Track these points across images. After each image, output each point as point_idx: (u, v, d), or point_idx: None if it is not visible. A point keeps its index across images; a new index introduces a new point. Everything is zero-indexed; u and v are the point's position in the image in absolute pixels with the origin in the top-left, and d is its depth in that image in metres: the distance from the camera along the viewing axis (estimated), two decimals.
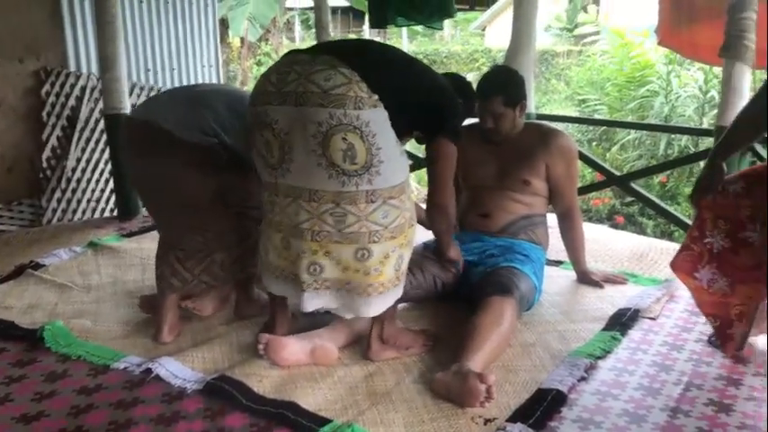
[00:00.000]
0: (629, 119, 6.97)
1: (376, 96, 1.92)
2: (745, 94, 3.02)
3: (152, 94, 5.38)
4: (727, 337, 2.26)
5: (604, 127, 6.85)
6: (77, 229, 4.09)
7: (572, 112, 8.45)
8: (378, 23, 4.40)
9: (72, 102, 4.73)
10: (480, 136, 2.69)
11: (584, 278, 2.89)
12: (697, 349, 2.33)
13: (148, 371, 2.20)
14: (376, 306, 2.13)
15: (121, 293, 2.93)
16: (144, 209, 4.33)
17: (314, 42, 4.63)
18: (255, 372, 2.16)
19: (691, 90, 6.59)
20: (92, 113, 4.67)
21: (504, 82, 2.65)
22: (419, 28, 7.98)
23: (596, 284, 2.83)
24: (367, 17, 4.49)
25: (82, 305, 2.81)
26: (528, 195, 2.68)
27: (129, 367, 2.24)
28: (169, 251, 2.54)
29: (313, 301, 2.13)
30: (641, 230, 5.75)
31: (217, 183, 2.42)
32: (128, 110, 4.10)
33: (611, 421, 1.90)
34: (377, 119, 1.93)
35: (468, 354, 2.09)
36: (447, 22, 19.82)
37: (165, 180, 2.44)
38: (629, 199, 5.98)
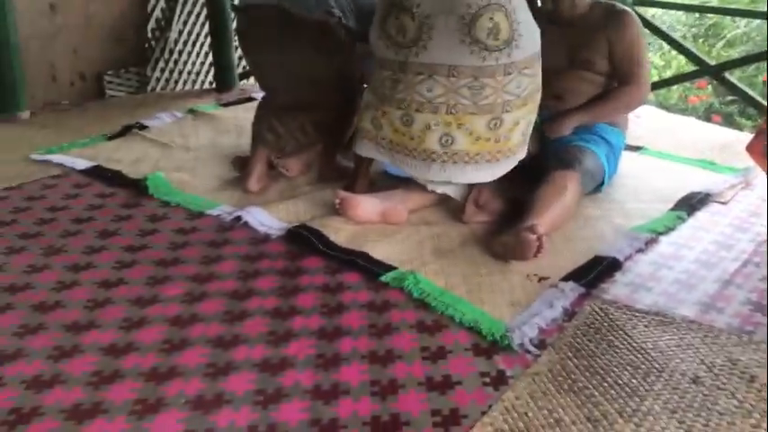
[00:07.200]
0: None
1: None
2: None
3: None
4: None
5: (711, 21, 6.45)
6: (178, 97, 4.36)
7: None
8: None
9: None
10: (547, 18, 2.68)
11: (560, 120, 2.64)
12: (763, 232, 2.35)
13: (238, 218, 2.43)
14: (500, 169, 2.30)
15: (217, 154, 3.16)
16: (242, 82, 4.57)
17: None
18: (333, 224, 2.35)
19: None
20: None
21: None
22: None
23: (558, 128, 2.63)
24: None
25: (181, 162, 3.08)
26: (597, 75, 2.66)
27: (222, 215, 2.49)
28: (269, 111, 2.77)
29: (441, 173, 2.29)
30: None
31: (337, 61, 2.57)
32: None
33: (661, 287, 2.00)
34: None
35: (529, 219, 2.20)
36: None
37: (290, 61, 2.60)
38: (729, 98, 5.73)
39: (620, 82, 2.66)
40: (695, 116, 6.02)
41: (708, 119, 5.96)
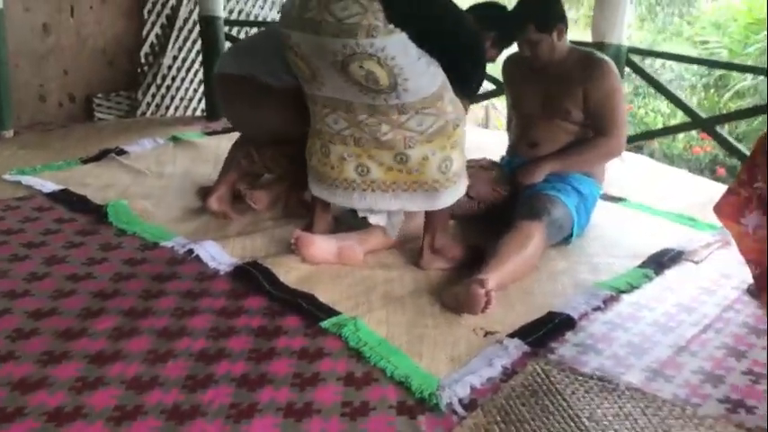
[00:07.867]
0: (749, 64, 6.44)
1: (392, 25, 1.94)
2: None
3: None
4: (764, 287, 2.16)
5: (720, 72, 6.38)
6: (167, 123, 4.35)
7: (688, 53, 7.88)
8: None
9: (173, 1, 4.89)
10: (526, 63, 2.62)
11: (532, 166, 2.61)
12: (731, 296, 2.24)
13: (190, 251, 2.37)
14: (422, 201, 2.23)
15: (189, 183, 3.12)
16: None
17: None
18: (286, 263, 2.28)
19: None
20: (190, 15, 4.83)
21: (536, 7, 2.53)
22: None
23: (530, 175, 2.58)
24: None
25: (150, 189, 3.04)
26: (573, 125, 2.58)
27: (176, 247, 2.43)
28: (248, 142, 2.77)
29: (362, 202, 2.26)
30: None
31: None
32: (221, 14, 4.25)
33: (612, 350, 1.89)
34: (393, 44, 1.96)
35: (486, 270, 2.12)
36: None
37: (265, 120, 2.60)
38: None
39: (595, 132, 2.59)
40: (699, 167, 5.94)
41: (713, 170, 5.87)
